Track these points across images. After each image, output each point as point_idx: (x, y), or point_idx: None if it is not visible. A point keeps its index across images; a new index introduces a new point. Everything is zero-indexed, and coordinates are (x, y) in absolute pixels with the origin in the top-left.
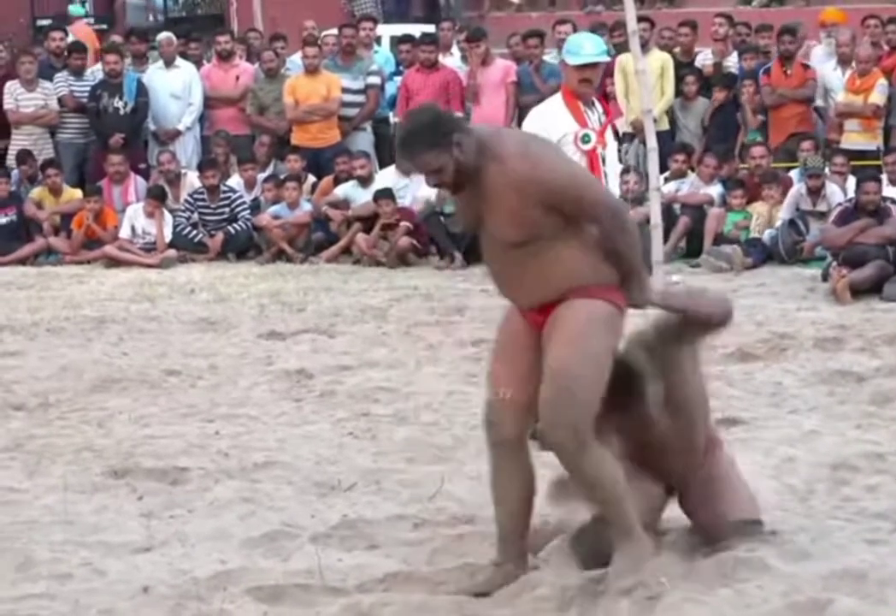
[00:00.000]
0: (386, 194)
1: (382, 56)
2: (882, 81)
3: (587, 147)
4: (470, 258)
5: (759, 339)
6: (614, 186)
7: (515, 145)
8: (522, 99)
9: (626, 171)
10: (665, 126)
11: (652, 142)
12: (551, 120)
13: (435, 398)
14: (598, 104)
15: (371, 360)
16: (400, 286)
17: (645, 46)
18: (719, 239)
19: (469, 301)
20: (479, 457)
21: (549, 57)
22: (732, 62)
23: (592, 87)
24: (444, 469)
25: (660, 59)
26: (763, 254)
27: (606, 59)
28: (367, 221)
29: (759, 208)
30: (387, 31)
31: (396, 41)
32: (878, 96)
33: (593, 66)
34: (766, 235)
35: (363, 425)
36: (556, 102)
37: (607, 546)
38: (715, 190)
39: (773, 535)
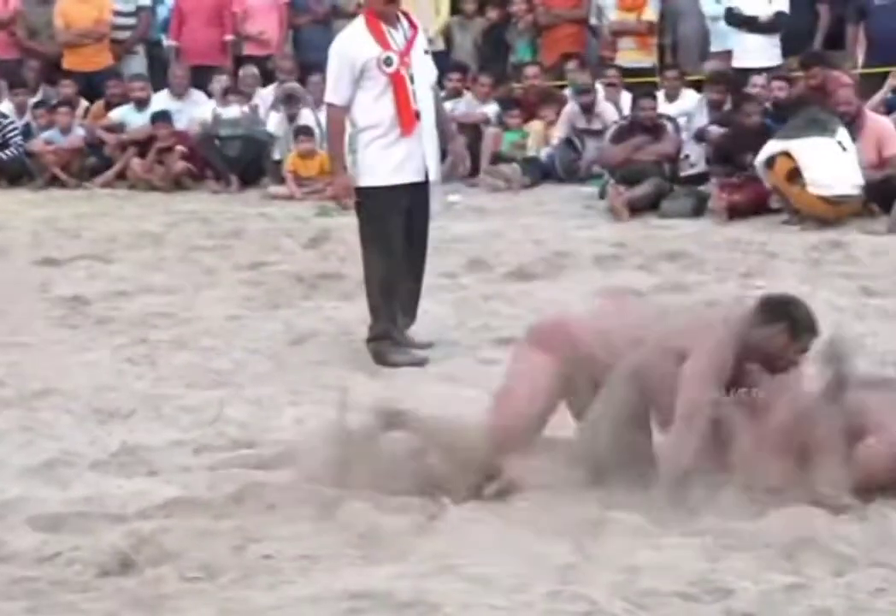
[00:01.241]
0: (163, 117)
1: None
2: None
3: (390, 70)
4: (246, 182)
5: (538, 258)
6: (426, 104)
7: None
8: (296, 19)
9: None
10: (441, 46)
11: None
12: (354, 45)
13: (213, 323)
14: (403, 21)
15: (148, 285)
16: (176, 211)
17: None
18: (496, 158)
19: (246, 224)
20: (258, 380)
21: None
22: None
23: (395, 5)
24: (224, 394)
25: None
26: (540, 172)
27: None
28: (143, 146)
29: (535, 127)
30: None
31: None
32: (651, 13)
33: None
34: (543, 154)
35: (142, 351)
36: (358, 26)
37: None
38: (491, 109)
39: None
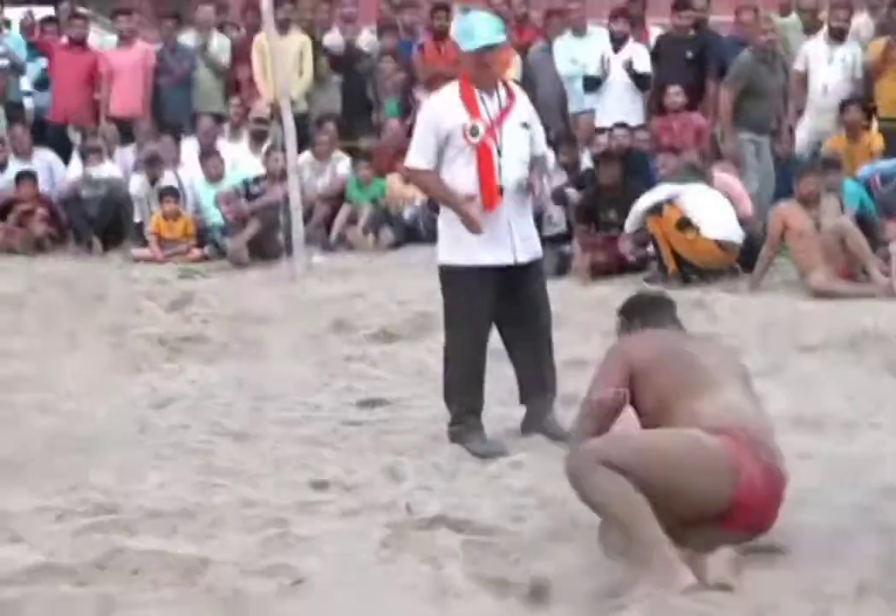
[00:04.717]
0: (28, 176)
1: (14, 39)
2: (516, 60)
3: (476, 140)
4: (108, 244)
5: (402, 319)
6: (514, 180)
7: None
8: (159, 80)
9: (270, 149)
10: (304, 107)
11: (289, 123)
12: (442, 111)
13: (76, 387)
14: (502, 89)
15: (10, 349)
16: (37, 274)
17: (285, 26)
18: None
19: (108, 287)
20: (122, 445)
21: (184, 37)
22: (366, 41)
23: (492, 71)
24: (87, 459)
25: (299, 40)
26: (404, 233)
27: (503, 39)
28: (2, 208)
29: (395, 186)
30: (14, 13)
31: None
32: (514, 73)
33: (490, 48)
34: (407, 214)
35: (4, 415)
36: (451, 92)
37: None
38: (343, 166)
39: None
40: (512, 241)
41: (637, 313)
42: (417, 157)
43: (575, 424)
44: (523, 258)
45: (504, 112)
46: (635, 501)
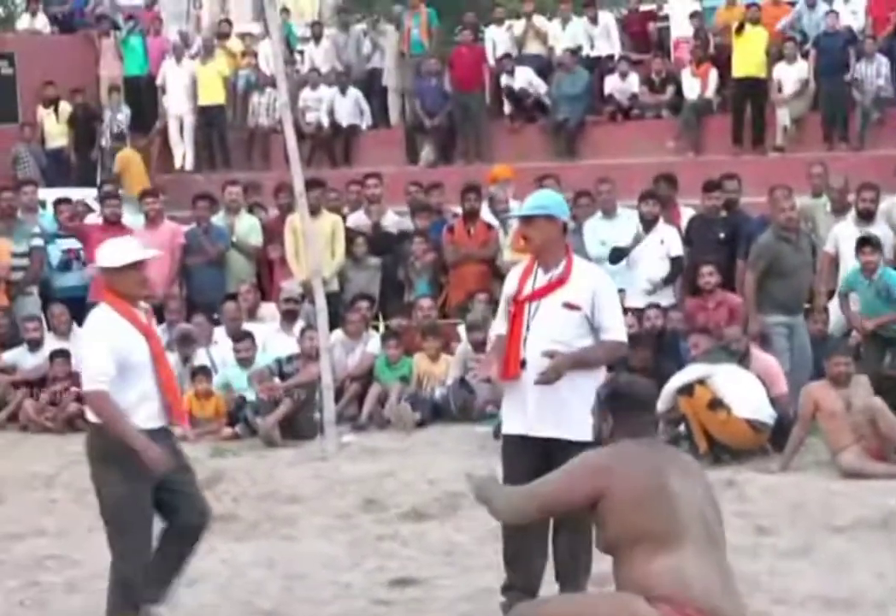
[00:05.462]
0: (63, 354)
1: (47, 219)
2: None
3: (510, 309)
4: None
5: (432, 498)
6: (538, 352)
7: None
8: (189, 259)
9: (306, 329)
10: (335, 287)
11: (321, 302)
12: (507, 282)
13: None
14: (561, 267)
15: (40, 527)
16: (69, 452)
17: (316, 208)
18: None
19: None
20: None
21: (216, 218)
22: (391, 222)
23: (531, 243)
24: None
25: (330, 221)
26: (433, 411)
27: (538, 212)
28: (34, 386)
29: (422, 365)
30: (49, 194)
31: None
32: None
33: (526, 220)
34: (437, 393)
35: (34, 595)
36: (522, 264)
37: None
38: (373, 345)
39: None
40: (526, 412)
41: (618, 409)
42: (497, 321)
43: (521, 494)
44: (542, 432)
45: (546, 288)
46: None
